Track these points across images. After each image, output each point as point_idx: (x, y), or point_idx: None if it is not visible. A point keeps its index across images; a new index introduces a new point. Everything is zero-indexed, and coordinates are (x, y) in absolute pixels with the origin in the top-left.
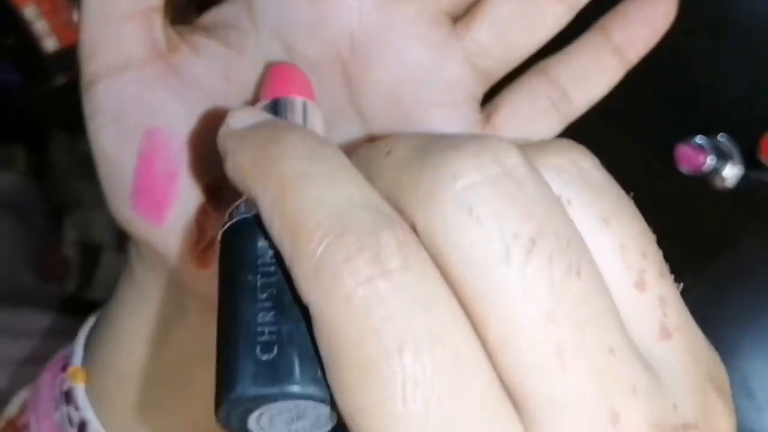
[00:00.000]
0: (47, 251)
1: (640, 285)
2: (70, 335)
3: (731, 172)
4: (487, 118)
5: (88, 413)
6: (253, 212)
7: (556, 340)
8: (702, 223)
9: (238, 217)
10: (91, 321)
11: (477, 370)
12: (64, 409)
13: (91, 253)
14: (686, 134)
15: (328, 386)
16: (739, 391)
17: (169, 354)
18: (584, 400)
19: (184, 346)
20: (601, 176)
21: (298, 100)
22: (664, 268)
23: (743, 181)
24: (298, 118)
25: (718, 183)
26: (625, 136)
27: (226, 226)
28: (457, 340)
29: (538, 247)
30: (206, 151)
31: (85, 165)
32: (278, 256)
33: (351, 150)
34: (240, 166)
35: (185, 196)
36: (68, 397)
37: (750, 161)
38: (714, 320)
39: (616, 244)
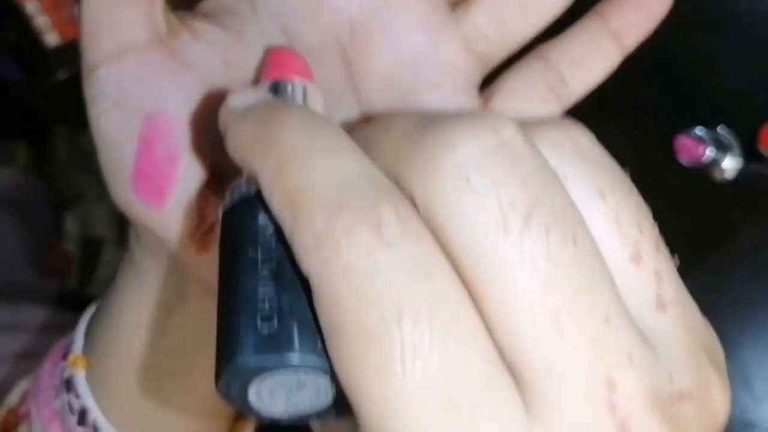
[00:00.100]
0: (48, 247)
1: (636, 258)
2: (70, 330)
3: (731, 164)
4: (485, 102)
5: (89, 401)
6: (254, 189)
7: (553, 309)
8: (701, 214)
9: (239, 194)
10: (92, 309)
11: (475, 339)
12: (65, 396)
13: (92, 249)
14: (686, 125)
15: (327, 357)
16: (738, 382)
17: (170, 340)
18: (581, 368)
19: (184, 332)
20: (598, 152)
21: (298, 83)
22: (660, 242)
23: (743, 173)
24: (298, 99)
25: (717, 174)
26: (624, 126)
27: (226, 203)
28: (455, 309)
29: (535, 216)
30: (207, 135)
31: (86, 160)
32: (279, 232)
33: (350, 129)
34: (241, 142)
35: (186, 181)
36: (69, 384)
37: (750, 153)
38: (713, 311)
39: (612, 217)
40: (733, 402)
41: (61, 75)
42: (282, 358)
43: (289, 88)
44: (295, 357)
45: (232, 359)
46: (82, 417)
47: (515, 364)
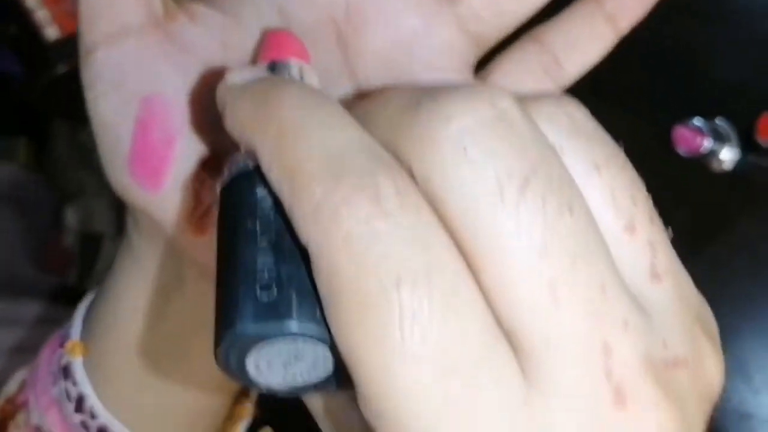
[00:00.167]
0: (48, 243)
1: (631, 229)
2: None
3: (728, 155)
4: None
5: (86, 387)
6: (252, 164)
7: (550, 276)
8: (699, 205)
9: (237, 169)
10: (90, 297)
11: (473, 308)
12: (62, 383)
13: (91, 243)
14: (684, 116)
15: (326, 326)
16: (736, 374)
17: (168, 325)
18: (577, 335)
19: (182, 316)
20: (593, 126)
21: (295, 63)
22: (654, 213)
23: (740, 164)
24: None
25: (715, 165)
26: (622, 116)
27: (225, 178)
28: (453, 279)
29: (531, 185)
30: (204, 117)
31: (86, 155)
32: (277, 205)
33: (347, 105)
34: (239, 118)
35: (182, 163)
36: (66, 372)
37: (747, 144)
38: (711, 302)
39: (606, 189)
40: (731, 393)
41: (61, 69)
42: (281, 325)
43: (286, 69)
44: (294, 325)
45: (231, 327)
46: (80, 404)
47: (513, 333)
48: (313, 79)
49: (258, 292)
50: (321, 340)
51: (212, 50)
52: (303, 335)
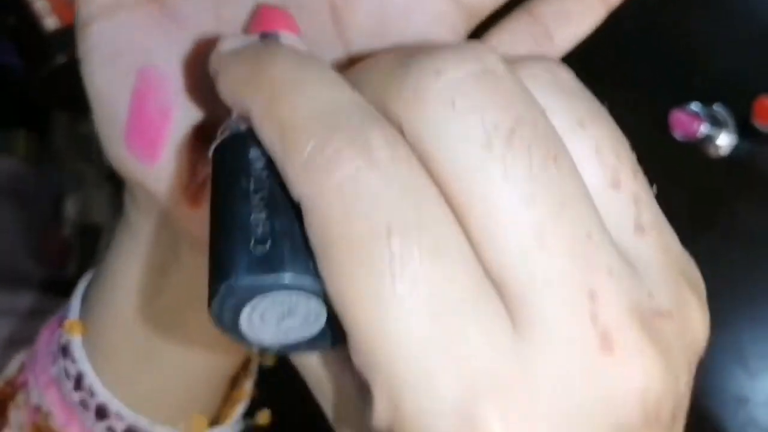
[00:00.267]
0: (47, 235)
1: (615, 184)
2: None
3: (725, 141)
4: None
5: (85, 365)
6: (245, 127)
7: (535, 223)
8: (696, 190)
9: (230, 131)
10: (88, 276)
11: (462, 255)
12: (62, 362)
13: (90, 234)
14: (682, 102)
15: (320, 281)
16: (733, 358)
17: (165, 300)
18: (563, 280)
19: (178, 290)
20: (577, 85)
21: (285, 34)
22: (638, 169)
23: (737, 150)
24: None
25: (712, 151)
26: (620, 100)
27: (217, 141)
28: (442, 226)
29: (517, 136)
30: (199, 90)
31: (85, 146)
32: (270, 165)
33: (339, 69)
34: (231, 81)
35: (178, 135)
36: (65, 351)
37: (744, 130)
38: (707, 287)
39: (590, 145)
40: (727, 378)
41: (61, 59)
42: (275, 277)
43: (276, 40)
44: (288, 276)
45: (225, 279)
46: (78, 382)
47: (500, 280)
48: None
49: (252, 245)
50: (314, 293)
51: (206, 23)
52: (296, 287)
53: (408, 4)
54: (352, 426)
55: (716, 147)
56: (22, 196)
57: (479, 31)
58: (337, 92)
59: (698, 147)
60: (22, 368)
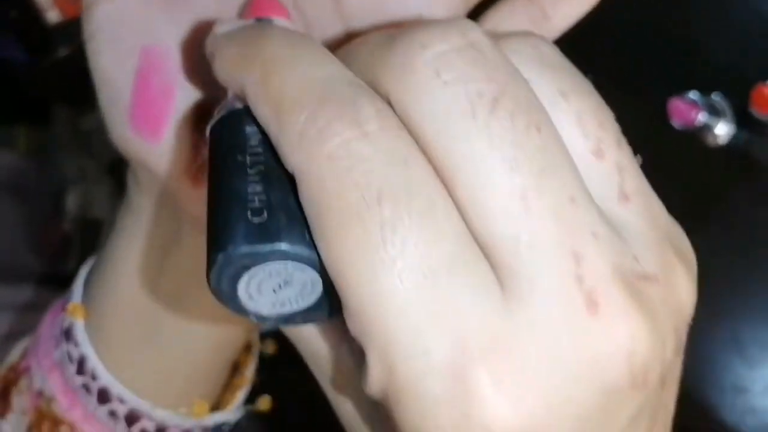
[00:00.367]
0: (48, 230)
1: (598, 153)
2: None
3: (723, 130)
4: None
5: (87, 348)
6: (240, 105)
7: (520, 187)
8: (694, 179)
9: (226, 109)
10: (91, 260)
11: (450, 219)
12: (64, 346)
13: (91, 229)
14: (681, 91)
15: (315, 251)
16: (730, 347)
17: (167, 281)
18: (548, 242)
19: (180, 272)
20: (560, 58)
21: (278, 20)
22: (622, 139)
23: (735, 139)
24: None
25: (710, 140)
26: (619, 88)
27: (214, 119)
28: (430, 192)
29: (501, 104)
30: (201, 69)
31: (86, 142)
32: (265, 140)
33: (331, 48)
34: (226, 60)
35: (181, 114)
36: (68, 334)
37: (742, 119)
38: (705, 276)
39: (573, 115)
40: (726, 367)
41: (63, 52)
42: (272, 246)
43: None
44: (284, 245)
45: (223, 249)
46: (81, 365)
47: (487, 244)
48: None
49: (249, 216)
50: (310, 262)
51: (208, 4)
52: (293, 255)
53: None
54: (349, 397)
55: (714, 136)
56: (23, 190)
57: (478, 11)
58: (328, 68)
59: (696, 135)
60: (24, 354)
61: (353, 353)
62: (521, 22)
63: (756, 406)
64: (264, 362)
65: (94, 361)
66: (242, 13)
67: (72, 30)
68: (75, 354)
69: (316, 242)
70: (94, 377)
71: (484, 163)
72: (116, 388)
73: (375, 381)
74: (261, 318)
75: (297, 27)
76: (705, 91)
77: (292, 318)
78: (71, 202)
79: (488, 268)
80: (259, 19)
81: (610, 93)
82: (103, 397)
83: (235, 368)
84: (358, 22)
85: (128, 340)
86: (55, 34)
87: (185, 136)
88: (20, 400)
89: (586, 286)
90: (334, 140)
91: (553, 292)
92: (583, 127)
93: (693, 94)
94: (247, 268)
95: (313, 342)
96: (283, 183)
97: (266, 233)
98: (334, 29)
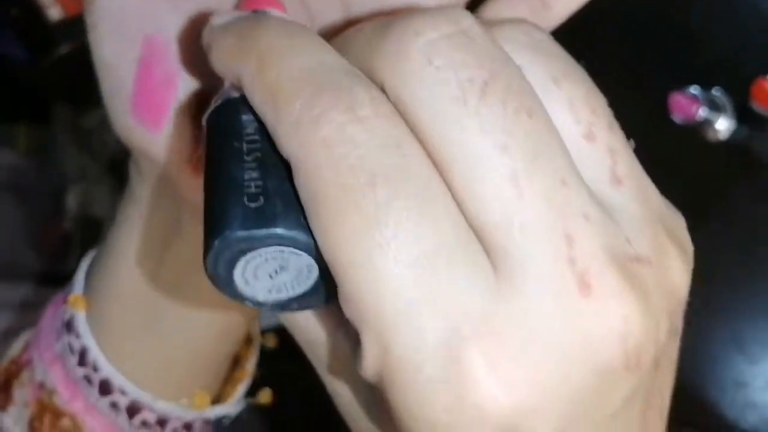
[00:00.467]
0: (48, 229)
1: (590, 137)
2: None
3: (724, 125)
4: None
5: (89, 340)
6: (237, 94)
7: (511, 171)
8: (694, 174)
9: (223, 99)
10: (92, 252)
11: (443, 203)
12: (65, 338)
13: (91, 228)
14: (682, 86)
15: (311, 235)
16: (731, 344)
17: (167, 271)
18: (540, 224)
19: (181, 262)
20: (552, 44)
21: (275, 12)
22: (614, 123)
23: (735, 135)
24: None
25: (710, 135)
26: (620, 82)
27: (211, 108)
28: (424, 176)
29: (491, 90)
30: (203, 59)
31: (86, 140)
32: (261, 128)
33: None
34: (223, 51)
35: (183, 104)
36: (69, 326)
37: (743, 115)
38: (705, 273)
39: (565, 100)
40: (726, 362)
41: (64, 49)
42: (268, 230)
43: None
44: (281, 229)
45: (220, 233)
46: (82, 357)
47: (480, 227)
48: None
49: (245, 201)
50: (306, 247)
51: None
52: (289, 240)
53: None
54: (346, 383)
55: (715, 131)
56: (23, 189)
57: (478, 2)
58: (323, 57)
59: (697, 131)
60: (26, 347)
61: (350, 339)
62: (521, 10)
63: (756, 401)
64: (265, 356)
65: (95, 353)
66: (239, 6)
67: (73, 28)
68: (76, 345)
69: (311, 227)
70: (95, 369)
71: (475, 148)
72: (118, 379)
73: (370, 364)
74: (257, 304)
75: (293, 18)
76: (706, 86)
77: (288, 304)
78: (71, 200)
79: (481, 251)
80: (255, 12)
81: (610, 87)
82: (105, 388)
83: (236, 361)
84: (359, 8)
85: (129, 331)
86: (56, 33)
87: (187, 126)
88: (22, 393)
89: (579, 268)
90: (329, 126)
91: (545, 275)
92: (575, 112)
93: (694, 89)
94: (243, 252)
95: (310, 329)
96: (279, 170)
97: (262, 218)
98: (335, 16)
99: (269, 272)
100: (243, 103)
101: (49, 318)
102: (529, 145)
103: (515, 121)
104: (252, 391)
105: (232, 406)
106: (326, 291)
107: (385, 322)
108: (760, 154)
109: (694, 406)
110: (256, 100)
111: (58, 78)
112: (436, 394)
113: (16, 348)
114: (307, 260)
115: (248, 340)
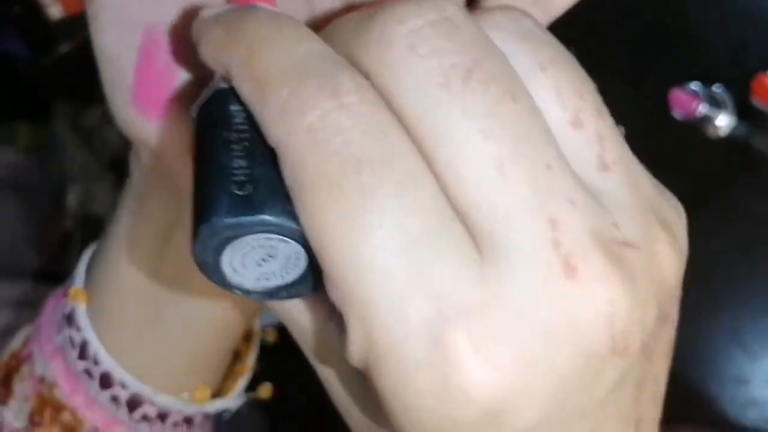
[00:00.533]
0: (49, 227)
1: (577, 123)
2: None
3: (724, 121)
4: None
5: (89, 333)
6: (226, 85)
7: (495, 155)
8: (694, 170)
9: (212, 90)
10: (93, 246)
11: (428, 187)
12: (66, 331)
13: (92, 226)
14: (682, 81)
15: (298, 223)
16: (731, 339)
17: (168, 264)
18: (523, 208)
19: (181, 254)
20: (540, 31)
21: (264, 6)
22: (603, 109)
23: (736, 131)
24: None
25: (711, 131)
26: (620, 78)
27: (200, 99)
28: (410, 161)
29: (475, 75)
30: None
31: (87, 138)
32: (250, 119)
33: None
34: (212, 43)
35: (183, 94)
36: (70, 319)
37: (743, 111)
38: (705, 269)
39: (551, 87)
40: (726, 358)
41: (65, 47)
42: (255, 217)
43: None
44: (268, 216)
45: (207, 221)
46: (83, 350)
47: (465, 211)
48: None
49: (233, 189)
50: (293, 234)
51: None
52: (276, 227)
53: None
54: (337, 372)
55: (715, 127)
56: (24, 187)
57: None
58: (309, 46)
59: (697, 127)
60: (26, 341)
61: (340, 328)
62: (522, 1)
63: (757, 397)
64: (265, 351)
65: (96, 346)
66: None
67: (74, 26)
68: (77, 339)
69: (298, 214)
70: (96, 362)
71: (459, 133)
72: (118, 373)
73: (356, 349)
74: (246, 292)
75: (281, 10)
76: (706, 82)
77: (276, 292)
78: (72, 199)
79: (466, 235)
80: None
81: (611, 84)
82: (105, 382)
83: (237, 356)
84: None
85: (130, 324)
86: (57, 31)
87: (187, 116)
88: (22, 387)
89: (563, 251)
90: (314, 113)
91: (530, 258)
92: (562, 99)
93: (694, 85)
94: (230, 240)
95: (301, 318)
96: (266, 158)
97: (250, 205)
98: (335, 2)
99: (257, 260)
100: (232, 93)
101: (50, 311)
102: (513, 130)
103: (499, 105)
104: (252, 386)
105: (232, 400)
106: (314, 279)
107: (370, 307)
108: (761, 150)
109: (695, 403)
110: (244, 89)
111: (58, 76)
112: (420, 378)
113: (16, 342)
114: (294, 248)
115: (248, 335)
